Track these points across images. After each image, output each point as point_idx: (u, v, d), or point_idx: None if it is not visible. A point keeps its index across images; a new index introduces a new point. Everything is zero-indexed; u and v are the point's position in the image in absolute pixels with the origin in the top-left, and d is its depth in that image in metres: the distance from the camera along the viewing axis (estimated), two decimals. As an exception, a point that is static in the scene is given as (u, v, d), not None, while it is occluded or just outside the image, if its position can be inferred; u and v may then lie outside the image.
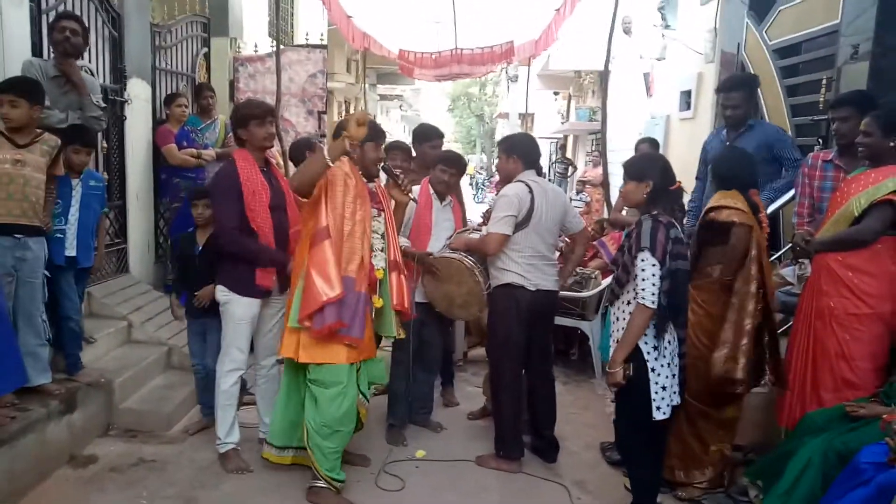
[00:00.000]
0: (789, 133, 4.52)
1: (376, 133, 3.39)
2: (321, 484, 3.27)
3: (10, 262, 3.34)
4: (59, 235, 3.70)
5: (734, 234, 3.13)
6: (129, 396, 4.12)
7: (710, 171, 3.45)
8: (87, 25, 3.94)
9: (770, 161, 4.06)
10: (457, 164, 4.06)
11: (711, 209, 3.21)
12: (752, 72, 5.18)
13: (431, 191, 4.01)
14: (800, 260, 3.58)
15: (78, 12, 4.38)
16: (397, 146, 4.51)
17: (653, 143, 5.90)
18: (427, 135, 4.56)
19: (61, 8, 4.19)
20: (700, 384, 3.24)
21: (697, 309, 3.26)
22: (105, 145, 4.69)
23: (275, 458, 3.53)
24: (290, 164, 4.67)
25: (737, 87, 4.21)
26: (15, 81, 3.40)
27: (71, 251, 3.75)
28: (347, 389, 3.23)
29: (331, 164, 3.04)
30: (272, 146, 3.71)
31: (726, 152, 3.56)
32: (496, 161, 4.21)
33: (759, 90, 4.61)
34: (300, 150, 4.32)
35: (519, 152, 3.71)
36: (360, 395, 3.43)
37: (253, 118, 3.43)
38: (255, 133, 3.44)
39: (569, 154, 16.19)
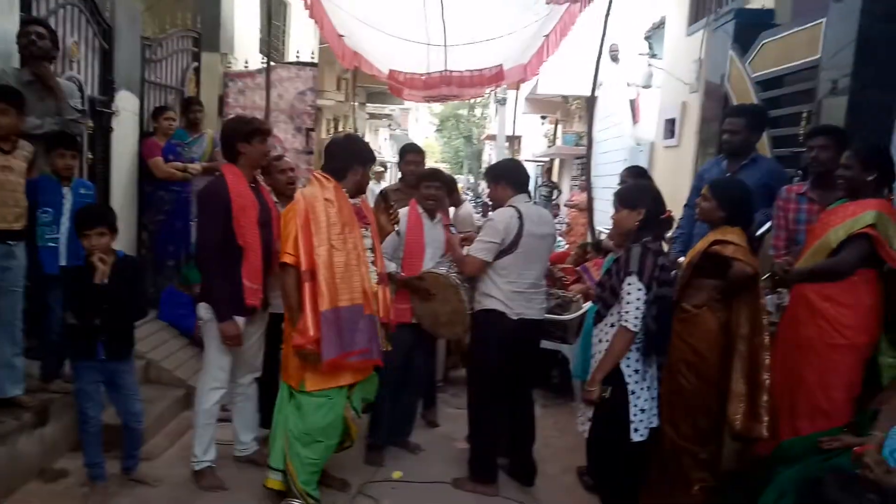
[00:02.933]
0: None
1: (370, 156, 3.51)
2: (296, 502, 3.24)
3: None
4: (51, 245, 3.63)
5: (734, 269, 3.09)
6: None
7: (715, 199, 3.24)
8: (55, 31, 3.90)
9: (764, 196, 4.02)
10: (438, 178, 4.09)
11: (716, 242, 3.17)
12: (734, 103, 5.26)
13: (420, 210, 4.02)
14: (778, 289, 3.62)
15: (69, 23, 4.38)
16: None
17: (633, 171, 5.75)
18: (402, 153, 4.64)
19: (52, 19, 4.18)
20: (686, 424, 3.23)
21: (681, 344, 3.23)
22: (90, 156, 4.67)
23: (281, 485, 3.36)
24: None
25: (739, 114, 4.21)
26: (3, 90, 3.37)
27: (63, 261, 3.65)
28: (334, 401, 3.25)
29: None
30: (265, 164, 3.75)
31: (738, 187, 3.38)
32: (483, 183, 4.25)
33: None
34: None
35: (506, 179, 3.72)
36: (353, 412, 3.43)
37: (260, 134, 3.47)
38: (258, 149, 3.47)
39: (554, 178, 16.31)
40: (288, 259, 3.15)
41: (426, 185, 4.00)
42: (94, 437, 3.39)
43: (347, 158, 3.37)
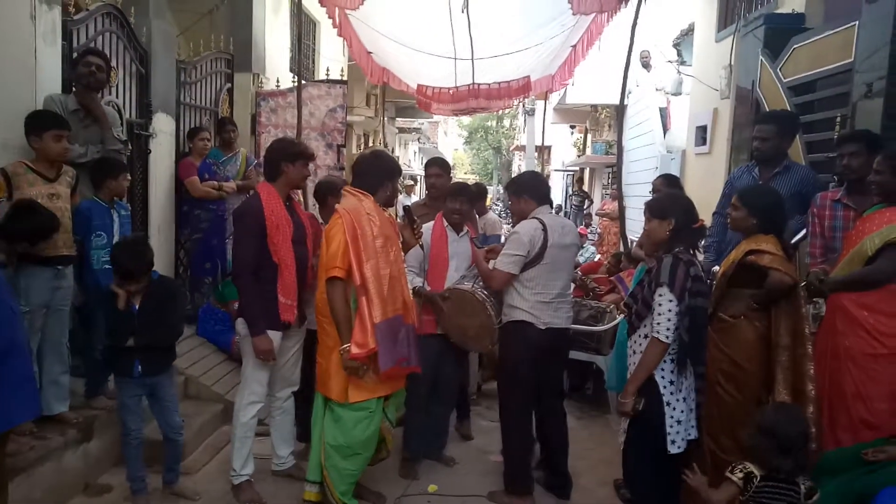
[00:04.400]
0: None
1: (398, 170, 3.59)
2: None
3: (48, 294, 3.43)
4: (107, 266, 3.73)
5: (771, 279, 3.07)
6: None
7: (745, 207, 3.22)
8: (111, 62, 4.06)
9: (797, 203, 3.95)
10: (464, 192, 4.11)
11: (752, 252, 3.14)
12: (766, 108, 5.20)
13: (446, 223, 4.06)
14: (814, 299, 3.56)
15: (107, 49, 4.52)
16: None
17: (666, 179, 5.72)
18: (425, 167, 4.67)
19: (92, 45, 4.32)
20: (726, 436, 3.19)
21: (719, 354, 3.21)
22: (129, 178, 4.79)
23: (318, 496, 3.44)
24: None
25: (769, 121, 4.17)
26: (59, 118, 3.51)
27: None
28: (374, 414, 3.31)
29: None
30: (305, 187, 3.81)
31: (768, 194, 3.35)
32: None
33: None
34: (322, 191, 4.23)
35: (527, 192, 3.74)
36: (387, 422, 3.47)
37: (303, 157, 3.57)
38: (300, 171, 3.55)
39: (585, 187, 16.24)
40: (337, 273, 3.18)
41: (451, 200, 4.04)
42: (136, 451, 3.46)
43: (377, 175, 3.44)
